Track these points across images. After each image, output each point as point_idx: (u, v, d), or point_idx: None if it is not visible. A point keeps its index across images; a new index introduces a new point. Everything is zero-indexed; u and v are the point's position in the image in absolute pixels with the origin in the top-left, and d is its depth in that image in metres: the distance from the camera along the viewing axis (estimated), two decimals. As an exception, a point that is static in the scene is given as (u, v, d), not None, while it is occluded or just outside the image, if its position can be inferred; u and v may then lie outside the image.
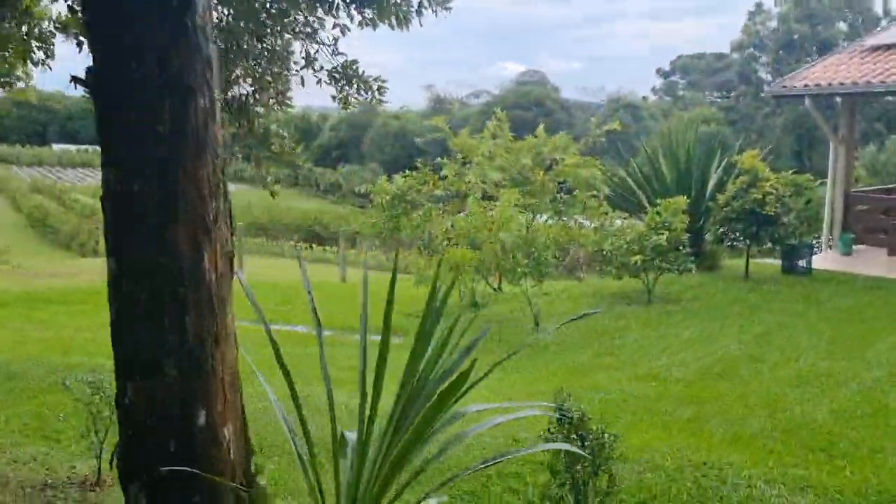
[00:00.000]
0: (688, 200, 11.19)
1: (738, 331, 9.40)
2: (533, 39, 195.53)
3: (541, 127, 13.71)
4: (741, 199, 11.62)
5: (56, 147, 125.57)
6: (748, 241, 12.10)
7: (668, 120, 53.41)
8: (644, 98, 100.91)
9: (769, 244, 12.57)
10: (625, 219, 12.66)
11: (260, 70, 5.15)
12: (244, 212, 48.07)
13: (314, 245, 32.62)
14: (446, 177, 13.90)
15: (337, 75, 5.31)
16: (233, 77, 5.14)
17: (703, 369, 7.88)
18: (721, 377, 7.63)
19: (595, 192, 13.72)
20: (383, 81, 5.43)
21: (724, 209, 11.88)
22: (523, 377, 7.74)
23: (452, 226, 11.36)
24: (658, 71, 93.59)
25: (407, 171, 14.44)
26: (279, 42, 5.12)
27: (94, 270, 17.95)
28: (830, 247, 13.84)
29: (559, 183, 14.16)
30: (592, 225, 13.21)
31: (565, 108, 68.11)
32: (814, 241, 14.04)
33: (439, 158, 13.63)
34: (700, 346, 8.86)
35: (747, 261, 12.40)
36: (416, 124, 67.37)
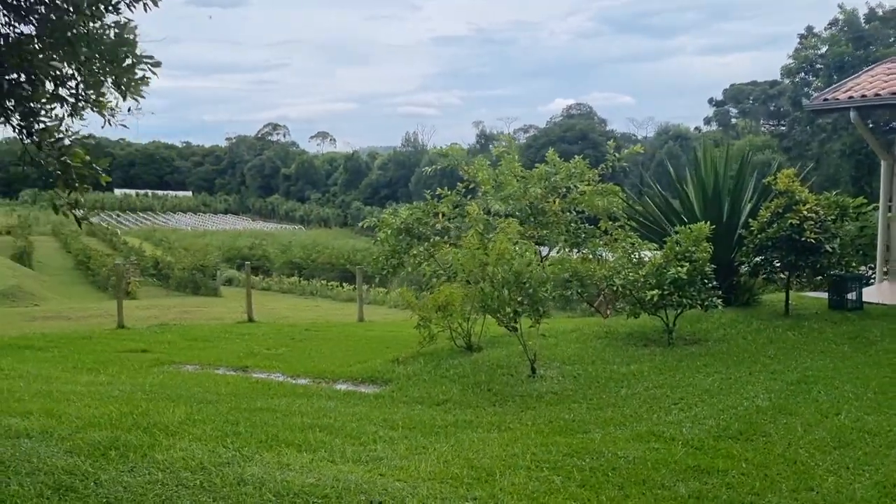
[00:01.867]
0: (713, 227, 9.86)
1: (768, 378, 8.02)
2: (586, 75, 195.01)
3: (551, 151, 12.57)
4: (776, 225, 10.25)
5: (118, 192, 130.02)
6: (787, 273, 10.68)
7: (719, 149, 51.55)
8: (696, 129, 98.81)
9: (814, 276, 11.13)
10: (655, 251, 11.38)
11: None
12: (284, 250, 48.06)
13: (345, 284, 31.87)
14: (457, 207, 12.88)
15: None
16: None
17: (719, 427, 6.56)
18: (740, 437, 6.31)
19: (622, 223, 12.50)
20: (154, 65, 3.96)
21: (758, 236, 10.51)
22: (502, 436, 6.53)
23: (448, 261, 10.29)
24: (710, 101, 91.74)
25: (414, 203, 13.48)
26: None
27: (105, 313, 17.43)
28: (886, 278, 12.24)
29: (579, 213, 12.99)
30: (613, 257, 11.95)
31: (612, 140, 66.84)
32: (868, 272, 12.50)
33: (439, 189, 12.59)
34: (721, 396, 7.52)
35: (787, 295, 10.96)
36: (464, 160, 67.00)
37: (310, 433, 6.38)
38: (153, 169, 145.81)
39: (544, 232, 11.54)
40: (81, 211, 4.41)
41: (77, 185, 4.14)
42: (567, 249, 12.00)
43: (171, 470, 5.13)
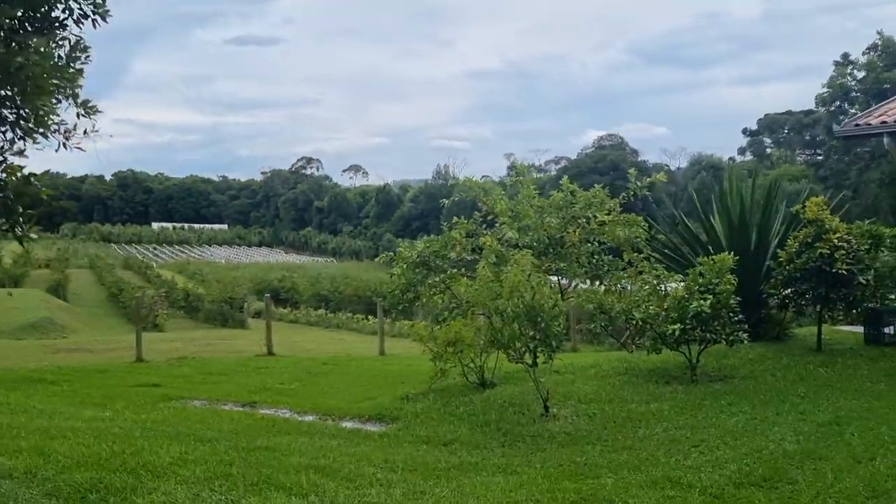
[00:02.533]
0: (738, 258, 9.41)
1: (797, 418, 7.52)
2: (618, 106, 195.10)
3: (566, 179, 12.21)
4: (805, 256, 9.76)
5: (155, 225, 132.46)
6: (818, 306, 10.16)
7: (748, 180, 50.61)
8: (730, 159, 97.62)
9: (848, 309, 10.58)
10: (681, 282, 10.92)
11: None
12: (313, 283, 48.08)
13: (370, 316, 31.64)
14: (471, 236, 12.55)
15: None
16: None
17: (742, 472, 6.09)
18: (764, 485, 5.84)
19: (646, 254, 12.07)
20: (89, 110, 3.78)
21: (787, 268, 10.03)
22: (507, 481, 6.14)
23: (462, 294, 9.95)
24: (744, 131, 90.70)
25: (432, 236, 13.19)
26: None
27: (128, 346, 17.34)
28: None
29: (600, 244, 12.57)
30: (635, 290, 11.50)
31: (643, 171, 66.16)
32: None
33: (455, 218, 12.29)
34: (746, 438, 7.04)
35: (819, 329, 10.42)
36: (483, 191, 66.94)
37: (304, 475, 6.06)
38: (190, 203, 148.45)
39: (563, 264, 11.15)
40: (21, 229, 4.17)
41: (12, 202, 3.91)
42: (587, 282, 11.58)
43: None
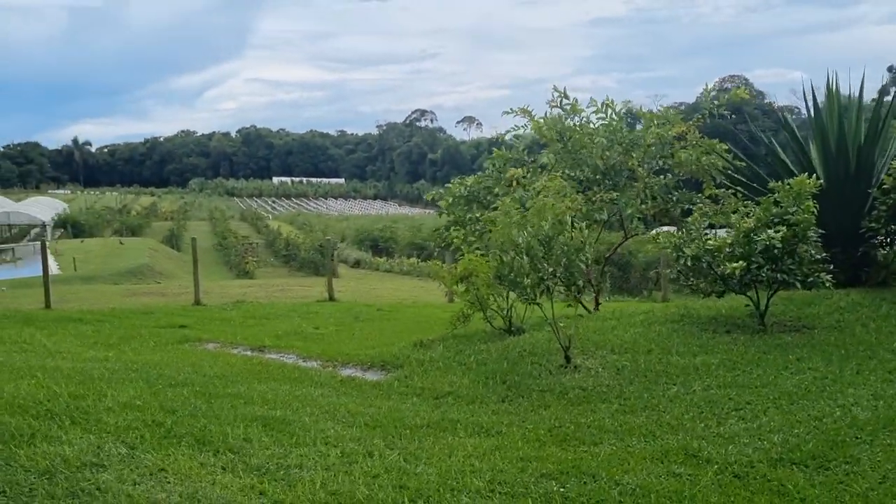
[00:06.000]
0: (833, 186, 7.64)
1: (882, 379, 5.88)
2: (750, 51, 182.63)
3: (608, 98, 10.50)
4: (916, 180, 7.84)
5: (276, 180, 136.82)
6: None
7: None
8: (873, 100, 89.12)
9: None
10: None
11: None
12: (413, 233, 47.56)
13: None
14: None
15: None
16: None
17: (785, 446, 4.64)
18: (811, 463, 4.39)
19: (731, 189, 10.34)
20: None
21: (892, 195, 8.13)
22: (479, 444, 4.96)
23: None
24: (890, 68, 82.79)
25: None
26: None
27: (204, 291, 17.12)
28: None
29: (674, 175, 10.86)
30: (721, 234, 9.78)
31: (768, 113, 60.91)
32: None
33: (495, 150, 10.93)
34: (805, 402, 5.51)
35: (935, 271, 8.48)
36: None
37: (245, 429, 5.14)
38: (309, 157, 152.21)
39: (615, 195, 9.60)
40: None
41: None
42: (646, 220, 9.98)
43: (20, 470, 4.11)
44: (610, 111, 10.48)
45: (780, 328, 7.56)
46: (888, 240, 8.79)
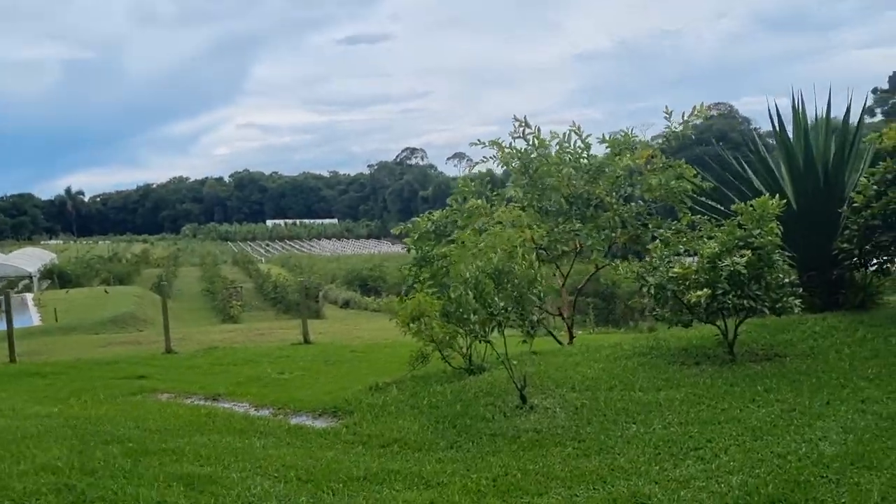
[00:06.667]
0: (784, 205, 7.34)
1: (854, 409, 5.51)
2: (736, 80, 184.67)
3: (575, 123, 10.26)
4: (885, 198, 7.55)
5: (269, 222, 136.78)
6: (908, 262, 7.91)
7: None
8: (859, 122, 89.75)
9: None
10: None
11: None
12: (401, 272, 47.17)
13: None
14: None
15: None
16: None
17: (743, 489, 4.26)
18: (769, 508, 4.00)
19: (699, 210, 10.05)
20: None
21: (863, 214, 7.83)
22: (417, 497, 4.57)
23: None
24: (874, 90, 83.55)
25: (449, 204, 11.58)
26: None
27: (179, 339, 16.70)
28: None
29: (645, 201, 10.55)
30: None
31: (752, 139, 61.00)
32: None
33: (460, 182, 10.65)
34: (771, 438, 5.13)
35: (911, 292, 8.15)
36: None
37: (163, 491, 4.74)
38: (302, 199, 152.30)
39: (577, 225, 9.29)
40: None
41: None
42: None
43: None
44: (575, 138, 10.22)
45: (750, 357, 7.20)
46: (863, 260, 8.46)
